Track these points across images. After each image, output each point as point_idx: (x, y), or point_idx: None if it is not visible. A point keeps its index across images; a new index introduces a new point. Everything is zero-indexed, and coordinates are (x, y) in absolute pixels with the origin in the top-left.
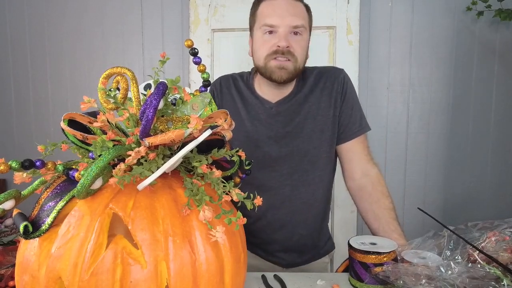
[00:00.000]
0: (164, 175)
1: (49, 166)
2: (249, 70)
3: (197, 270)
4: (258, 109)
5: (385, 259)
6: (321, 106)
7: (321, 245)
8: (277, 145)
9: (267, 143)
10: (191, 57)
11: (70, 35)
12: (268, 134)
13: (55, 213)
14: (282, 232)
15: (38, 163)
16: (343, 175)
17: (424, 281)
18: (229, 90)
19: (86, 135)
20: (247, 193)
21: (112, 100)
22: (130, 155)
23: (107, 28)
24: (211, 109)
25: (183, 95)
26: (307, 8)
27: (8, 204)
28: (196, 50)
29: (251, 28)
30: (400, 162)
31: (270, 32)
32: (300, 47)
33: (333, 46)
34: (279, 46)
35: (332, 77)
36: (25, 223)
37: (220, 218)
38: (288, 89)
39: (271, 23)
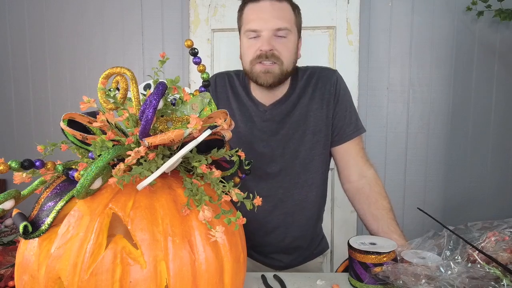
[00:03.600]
0: (163, 175)
1: (49, 166)
2: None
3: (197, 270)
4: (252, 111)
5: (384, 259)
6: (312, 107)
7: (314, 245)
8: (270, 147)
9: (260, 145)
10: (191, 57)
11: (70, 35)
12: (261, 137)
13: (55, 213)
14: (275, 234)
15: (37, 163)
16: (339, 178)
17: (423, 281)
18: (224, 89)
19: (85, 135)
20: (246, 193)
21: (111, 100)
22: (129, 155)
23: (107, 28)
24: (211, 109)
25: (182, 95)
26: (294, 7)
27: (8, 204)
28: (196, 50)
29: (239, 31)
30: (400, 162)
31: (255, 37)
32: (286, 49)
33: (333, 46)
34: (262, 50)
35: (325, 78)
36: (24, 223)
37: (219, 218)
38: (282, 91)
39: (254, 28)
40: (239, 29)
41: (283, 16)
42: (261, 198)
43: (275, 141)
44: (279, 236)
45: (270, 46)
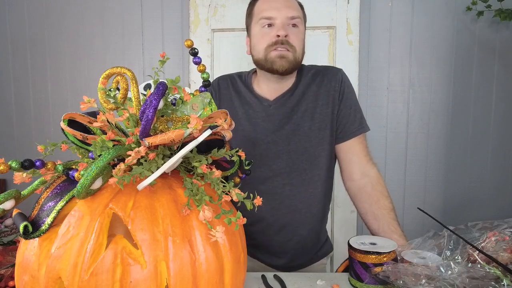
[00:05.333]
0: (164, 175)
1: (49, 166)
2: (249, 70)
3: (197, 270)
4: (256, 107)
5: (385, 259)
6: (318, 103)
7: (319, 246)
8: (275, 143)
9: (264, 141)
10: (191, 57)
11: (70, 35)
12: (265, 133)
13: (55, 213)
14: (282, 233)
15: (38, 163)
16: (341, 176)
17: (424, 281)
18: (227, 90)
19: (86, 135)
20: (247, 193)
21: (112, 100)
22: (130, 155)
23: (107, 28)
24: (211, 109)
25: (183, 95)
26: (300, 5)
27: (8, 204)
28: (196, 50)
29: (248, 28)
30: (400, 162)
31: (269, 25)
32: (298, 39)
33: (333, 46)
34: (278, 36)
35: (330, 75)
36: (25, 223)
37: (220, 218)
38: (287, 84)
39: (269, 15)
40: (248, 26)
41: (294, 6)
42: (261, 198)
43: (280, 136)
44: (286, 235)
45: (286, 32)
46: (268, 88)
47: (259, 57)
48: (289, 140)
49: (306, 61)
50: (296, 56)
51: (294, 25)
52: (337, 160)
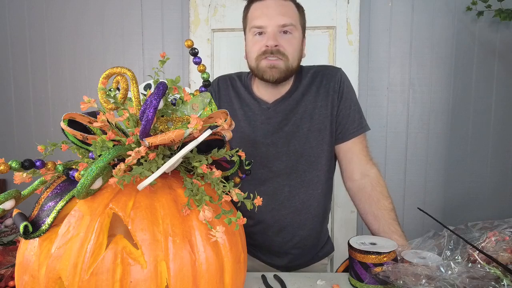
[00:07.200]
0: (164, 175)
1: (49, 166)
2: (248, 70)
3: (197, 270)
4: (255, 109)
5: (385, 259)
6: (317, 105)
7: (320, 246)
8: (274, 145)
9: (263, 143)
10: (191, 57)
11: (70, 35)
12: (265, 135)
13: (55, 213)
14: (282, 234)
15: (38, 163)
16: (341, 176)
17: (424, 281)
18: (227, 91)
19: (86, 135)
20: (247, 193)
21: (112, 100)
22: (130, 155)
23: (107, 28)
24: (211, 109)
25: (183, 95)
26: (298, 7)
27: (8, 204)
28: (196, 50)
29: (244, 31)
30: (400, 162)
31: (260, 33)
32: (291, 46)
33: (333, 46)
34: (267, 46)
35: (329, 75)
36: (25, 223)
37: (220, 218)
38: (285, 88)
39: (259, 24)
40: (244, 29)
41: (287, 13)
42: (261, 198)
43: (279, 138)
44: (286, 236)
45: (276, 42)
46: (267, 91)
47: (252, 65)
48: (289, 142)
49: (306, 61)
50: (288, 64)
51: (286, 32)
52: (337, 160)
